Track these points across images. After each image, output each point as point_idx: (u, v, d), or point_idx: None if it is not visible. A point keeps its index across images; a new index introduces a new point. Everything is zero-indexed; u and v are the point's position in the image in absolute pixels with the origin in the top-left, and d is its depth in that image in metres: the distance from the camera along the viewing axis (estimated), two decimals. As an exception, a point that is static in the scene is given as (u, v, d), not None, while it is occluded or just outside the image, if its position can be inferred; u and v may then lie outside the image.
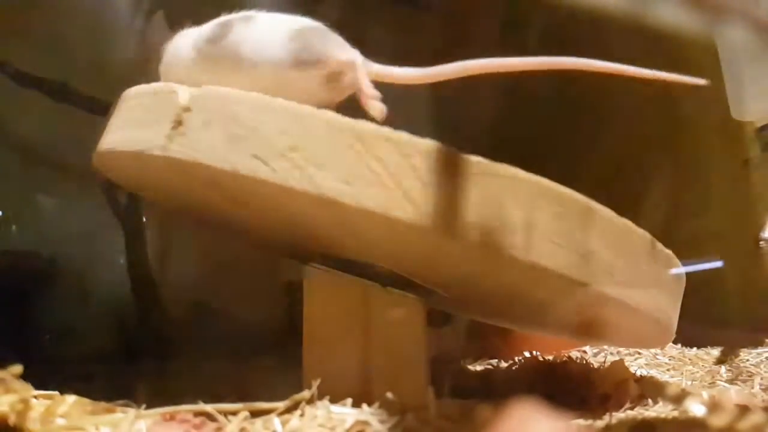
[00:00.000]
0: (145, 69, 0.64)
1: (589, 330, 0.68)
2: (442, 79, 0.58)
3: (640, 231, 0.55)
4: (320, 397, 0.52)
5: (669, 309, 0.60)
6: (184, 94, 0.52)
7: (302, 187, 0.48)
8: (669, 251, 0.59)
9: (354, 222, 0.51)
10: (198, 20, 0.63)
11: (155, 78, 0.62)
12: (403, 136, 0.49)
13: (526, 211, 0.50)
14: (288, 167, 0.48)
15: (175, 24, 0.64)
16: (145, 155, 0.52)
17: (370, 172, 0.48)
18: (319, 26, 0.59)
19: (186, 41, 0.61)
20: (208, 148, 0.50)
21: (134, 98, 0.56)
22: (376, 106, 0.55)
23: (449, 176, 0.49)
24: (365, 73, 0.57)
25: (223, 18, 0.60)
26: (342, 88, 0.58)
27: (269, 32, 0.58)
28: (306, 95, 0.53)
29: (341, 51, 0.57)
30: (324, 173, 0.48)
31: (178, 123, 0.51)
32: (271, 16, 0.60)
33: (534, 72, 0.58)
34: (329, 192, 0.48)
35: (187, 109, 0.51)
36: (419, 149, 0.49)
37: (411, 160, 0.49)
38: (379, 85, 0.58)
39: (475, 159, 0.49)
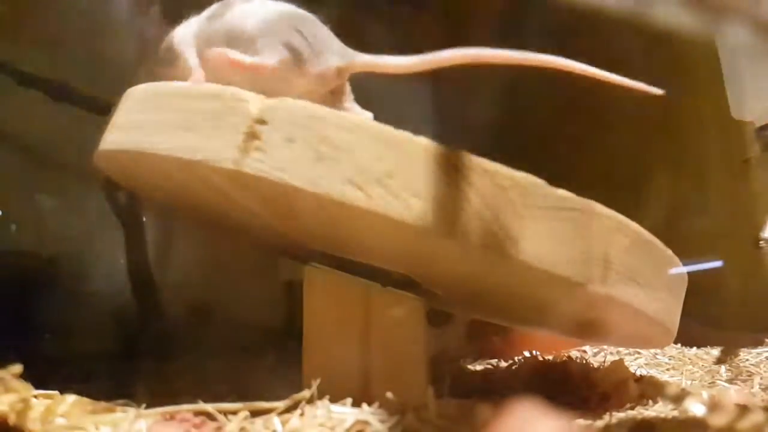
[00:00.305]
0: (142, 62, 0.64)
1: (589, 330, 0.68)
2: (432, 67, 0.58)
3: (641, 230, 0.55)
4: (320, 396, 0.52)
5: (670, 309, 0.60)
6: (255, 103, 0.49)
7: (401, 216, 0.47)
8: (670, 251, 0.59)
9: (363, 223, 0.51)
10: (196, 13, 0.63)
11: (150, 72, 0.61)
12: (500, 168, 0.49)
13: (527, 213, 0.50)
14: (383, 194, 0.47)
15: (172, 19, 0.64)
16: (183, 161, 0.50)
17: (466, 202, 0.48)
18: (304, 16, 0.59)
19: (193, 24, 0.62)
20: (294, 167, 0.47)
21: (174, 97, 0.53)
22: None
23: (451, 177, 0.49)
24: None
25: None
26: (315, 78, 0.57)
27: (253, 13, 0.58)
28: (283, 83, 0.53)
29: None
30: (420, 201, 0.47)
31: (252, 136, 0.48)
32: (265, 2, 0.60)
33: (528, 68, 0.58)
34: (422, 222, 0.47)
35: (261, 121, 0.49)
36: (517, 182, 0.49)
37: (508, 193, 0.49)
38: (376, 77, 0.58)
39: (476, 160, 0.49)
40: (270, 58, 0.56)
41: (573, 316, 0.62)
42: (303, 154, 0.48)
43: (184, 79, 0.59)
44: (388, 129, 0.50)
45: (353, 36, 0.60)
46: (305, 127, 0.48)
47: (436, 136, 0.52)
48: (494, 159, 0.50)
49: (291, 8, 0.59)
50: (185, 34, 0.61)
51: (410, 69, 0.59)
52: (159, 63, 0.62)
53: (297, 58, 0.56)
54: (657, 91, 0.58)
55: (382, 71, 0.59)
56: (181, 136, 0.50)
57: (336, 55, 0.58)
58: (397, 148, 0.49)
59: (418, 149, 0.49)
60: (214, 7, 0.61)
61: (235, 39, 0.58)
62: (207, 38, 0.59)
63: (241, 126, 0.49)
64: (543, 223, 0.50)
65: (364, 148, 0.48)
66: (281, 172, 0.47)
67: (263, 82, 0.52)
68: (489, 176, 0.49)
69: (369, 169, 0.48)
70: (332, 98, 0.58)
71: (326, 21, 0.60)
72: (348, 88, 0.60)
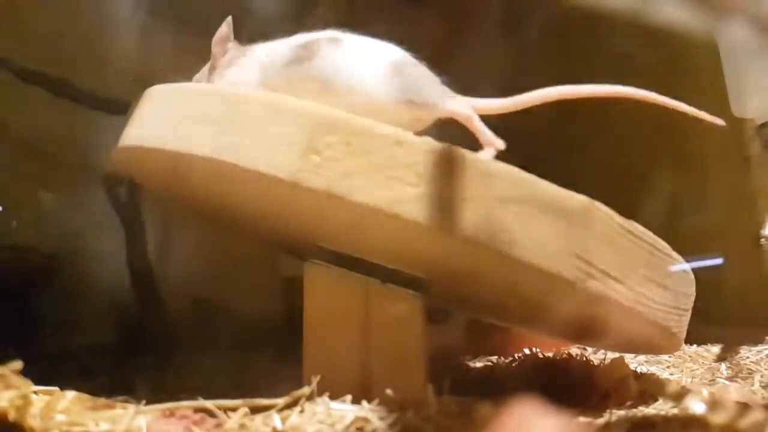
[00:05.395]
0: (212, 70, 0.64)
1: (588, 332, 0.67)
2: (526, 106, 0.60)
3: (643, 229, 0.55)
4: (320, 393, 0.52)
5: (675, 312, 0.59)
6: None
7: (400, 212, 0.49)
8: (673, 252, 0.58)
9: (359, 218, 0.51)
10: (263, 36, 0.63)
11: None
12: (498, 166, 0.50)
13: (524, 210, 0.50)
14: (384, 190, 0.49)
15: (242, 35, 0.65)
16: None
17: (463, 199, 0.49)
18: (412, 60, 0.59)
19: (266, 56, 0.61)
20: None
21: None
22: (495, 146, 0.56)
23: (449, 175, 0.49)
24: (478, 121, 0.58)
25: (307, 37, 0.60)
26: (426, 122, 0.58)
27: (365, 61, 0.58)
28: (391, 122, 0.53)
29: (451, 101, 0.58)
30: (419, 198, 0.49)
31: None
32: (359, 40, 0.60)
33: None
34: (420, 218, 0.49)
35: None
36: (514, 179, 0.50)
37: (505, 190, 0.50)
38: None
39: (475, 158, 0.50)
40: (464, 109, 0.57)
41: (571, 317, 0.61)
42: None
43: None
44: (388, 127, 0.50)
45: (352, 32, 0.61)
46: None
47: (437, 135, 0.52)
48: (495, 158, 0.50)
49: (395, 54, 0.59)
50: (260, 67, 0.61)
51: (507, 109, 0.60)
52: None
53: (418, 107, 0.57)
54: (719, 121, 0.62)
55: (481, 113, 0.59)
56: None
57: (445, 99, 0.58)
58: (398, 146, 0.49)
59: (418, 147, 0.49)
60: (294, 47, 0.60)
61: (334, 97, 0.57)
62: (290, 88, 0.58)
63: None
64: (540, 220, 0.50)
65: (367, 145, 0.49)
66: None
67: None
68: (486, 174, 0.49)
69: (370, 164, 0.49)
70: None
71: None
72: None
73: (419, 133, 0.53)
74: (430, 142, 0.50)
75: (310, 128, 0.50)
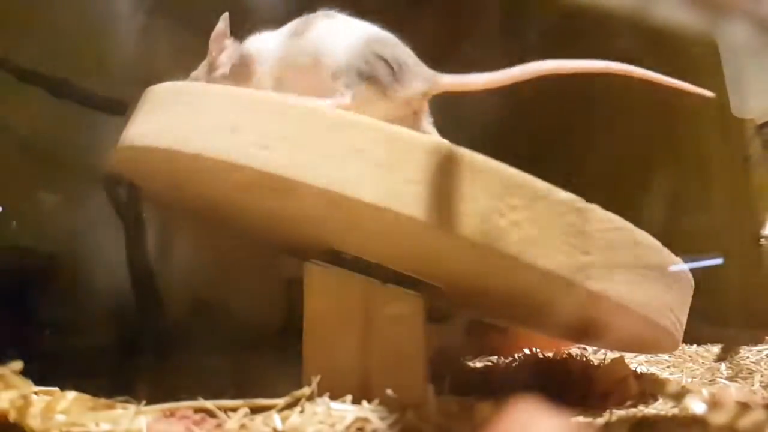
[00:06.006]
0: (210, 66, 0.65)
1: (588, 332, 0.67)
2: (516, 81, 0.60)
3: (640, 232, 0.55)
4: (320, 393, 0.52)
5: (672, 312, 0.59)
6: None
7: (401, 210, 0.49)
8: (671, 253, 0.58)
9: (359, 218, 0.51)
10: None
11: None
12: (498, 166, 0.50)
13: (524, 212, 0.50)
14: (384, 188, 0.49)
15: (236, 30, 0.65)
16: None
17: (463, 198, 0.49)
18: (392, 42, 0.60)
19: (271, 40, 0.62)
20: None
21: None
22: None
23: (450, 174, 0.49)
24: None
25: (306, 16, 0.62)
26: (402, 102, 0.58)
27: (337, 40, 0.59)
28: (367, 109, 0.54)
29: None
30: (419, 197, 0.49)
31: None
32: (350, 18, 0.61)
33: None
34: (420, 216, 0.49)
35: None
36: (514, 181, 0.50)
37: (505, 191, 0.50)
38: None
39: (474, 157, 0.50)
40: (345, 96, 0.57)
41: (571, 317, 0.61)
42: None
43: None
44: (391, 127, 0.50)
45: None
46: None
47: (440, 135, 0.52)
48: (497, 159, 0.50)
49: (374, 32, 0.60)
50: (262, 53, 0.62)
51: (494, 84, 0.60)
52: (229, 76, 0.63)
53: (380, 86, 0.57)
54: (708, 93, 0.62)
55: (467, 90, 0.60)
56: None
57: (420, 78, 0.59)
58: (401, 146, 0.49)
59: (420, 147, 0.49)
60: (295, 23, 0.62)
61: (318, 67, 0.59)
62: (289, 62, 0.60)
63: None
64: (539, 221, 0.50)
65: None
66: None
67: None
68: (487, 174, 0.49)
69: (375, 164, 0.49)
70: (413, 118, 0.59)
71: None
72: (426, 108, 0.61)
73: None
74: (603, 212, 0.52)
75: (495, 187, 0.50)
